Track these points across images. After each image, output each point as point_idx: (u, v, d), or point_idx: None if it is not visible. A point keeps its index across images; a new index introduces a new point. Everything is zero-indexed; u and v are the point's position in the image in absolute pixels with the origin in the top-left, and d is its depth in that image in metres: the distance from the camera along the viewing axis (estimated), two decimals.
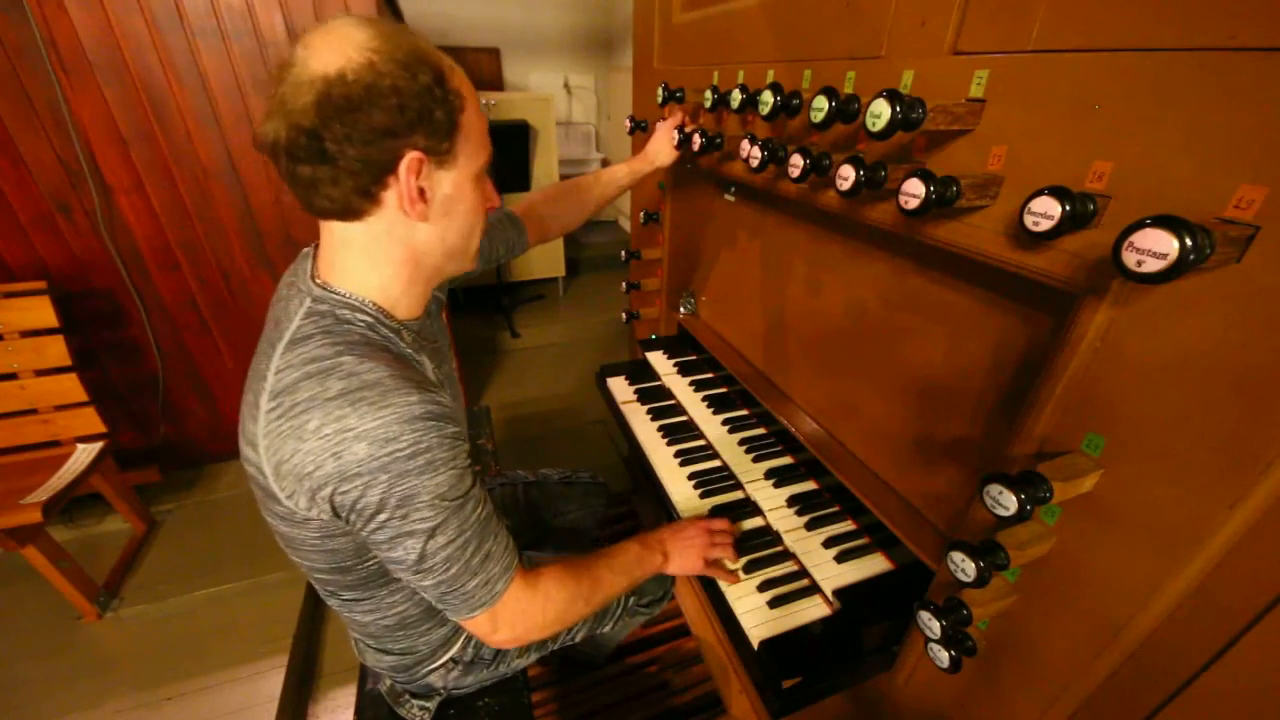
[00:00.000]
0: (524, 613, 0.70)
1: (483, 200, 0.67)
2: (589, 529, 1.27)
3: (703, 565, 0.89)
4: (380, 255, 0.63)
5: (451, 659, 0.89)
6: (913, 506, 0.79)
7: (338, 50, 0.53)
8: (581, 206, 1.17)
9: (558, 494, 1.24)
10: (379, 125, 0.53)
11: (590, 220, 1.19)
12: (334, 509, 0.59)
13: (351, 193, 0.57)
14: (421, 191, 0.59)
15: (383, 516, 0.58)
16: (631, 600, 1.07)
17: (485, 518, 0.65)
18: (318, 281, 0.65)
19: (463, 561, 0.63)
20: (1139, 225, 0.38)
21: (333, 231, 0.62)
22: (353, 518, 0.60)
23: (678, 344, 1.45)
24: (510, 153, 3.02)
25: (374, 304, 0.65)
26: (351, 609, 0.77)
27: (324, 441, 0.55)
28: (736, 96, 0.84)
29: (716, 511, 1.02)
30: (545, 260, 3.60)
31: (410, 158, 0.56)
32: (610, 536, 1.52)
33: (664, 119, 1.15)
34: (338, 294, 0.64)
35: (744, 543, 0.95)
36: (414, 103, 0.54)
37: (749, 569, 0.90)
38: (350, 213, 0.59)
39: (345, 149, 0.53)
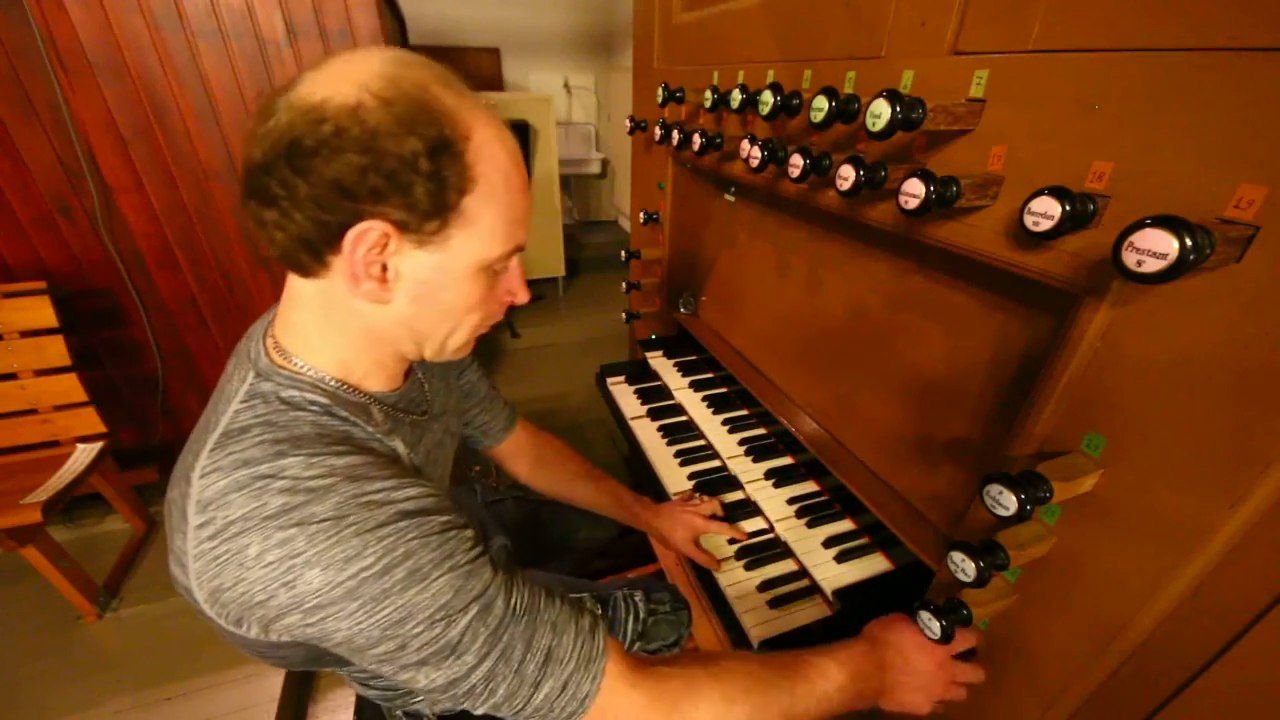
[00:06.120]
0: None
1: (487, 295, 0.55)
2: (591, 550, 1.22)
3: (928, 709, 0.66)
4: (332, 323, 0.53)
5: None
6: (913, 506, 0.79)
7: (339, 78, 0.44)
8: (566, 483, 1.06)
9: (573, 515, 1.17)
10: (334, 181, 0.43)
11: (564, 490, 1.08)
12: (302, 640, 0.48)
13: (298, 247, 0.47)
14: (384, 269, 0.48)
15: (375, 651, 0.46)
16: (637, 645, 0.93)
17: (527, 607, 0.51)
18: (270, 344, 0.55)
19: (513, 675, 0.49)
20: (1139, 225, 0.38)
21: (289, 279, 0.53)
22: (336, 649, 0.48)
23: (678, 344, 1.45)
24: None
25: (334, 379, 0.55)
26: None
27: (269, 570, 0.44)
28: (736, 96, 0.84)
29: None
30: (545, 260, 3.59)
31: (364, 229, 0.45)
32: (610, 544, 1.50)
33: (700, 509, 0.98)
34: (289, 368, 0.53)
35: (743, 543, 0.96)
36: (387, 166, 0.43)
37: (749, 568, 0.91)
38: (299, 267, 0.50)
39: (294, 197, 0.44)
